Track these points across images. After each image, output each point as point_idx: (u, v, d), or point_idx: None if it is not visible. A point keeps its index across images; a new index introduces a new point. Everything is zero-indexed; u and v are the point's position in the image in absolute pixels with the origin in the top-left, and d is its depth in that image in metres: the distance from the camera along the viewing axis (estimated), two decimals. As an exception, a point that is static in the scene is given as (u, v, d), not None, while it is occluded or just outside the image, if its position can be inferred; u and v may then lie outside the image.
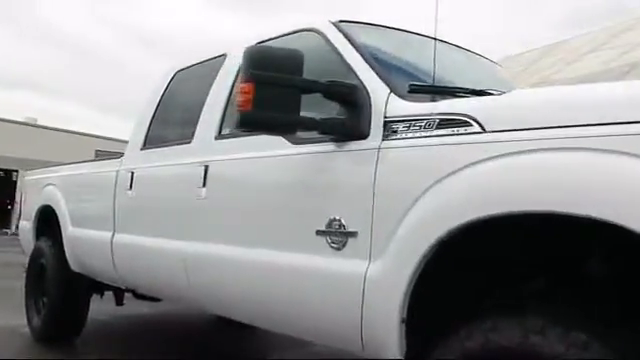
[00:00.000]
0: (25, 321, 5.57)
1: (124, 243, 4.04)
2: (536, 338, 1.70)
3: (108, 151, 28.91)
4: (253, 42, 3.39)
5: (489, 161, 1.93)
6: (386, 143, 2.30)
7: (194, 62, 4.07)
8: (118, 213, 4.16)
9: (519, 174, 1.84)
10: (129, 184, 4.01)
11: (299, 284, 2.57)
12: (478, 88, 2.56)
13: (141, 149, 4.10)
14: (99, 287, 5.18)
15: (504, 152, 1.89)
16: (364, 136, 2.40)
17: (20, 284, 5.94)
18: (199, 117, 3.51)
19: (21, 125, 30.53)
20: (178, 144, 3.67)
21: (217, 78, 3.54)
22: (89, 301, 5.22)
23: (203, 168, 3.25)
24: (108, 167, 4.44)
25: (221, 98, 3.40)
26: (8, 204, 26.16)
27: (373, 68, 2.56)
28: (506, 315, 1.85)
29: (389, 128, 2.32)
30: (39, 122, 32.15)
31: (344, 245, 2.38)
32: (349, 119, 2.47)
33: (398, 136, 2.27)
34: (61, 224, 5.00)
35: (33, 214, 5.64)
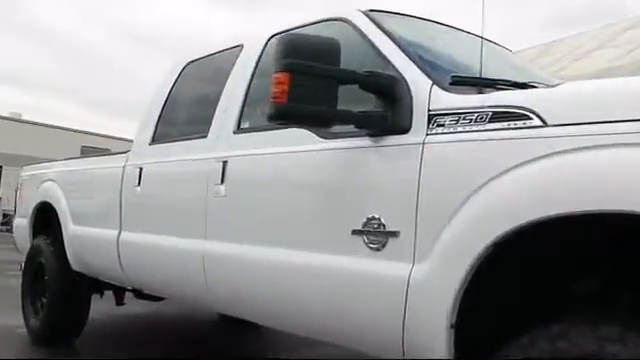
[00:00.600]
0: (20, 321, 5.39)
1: (132, 241, 3.88)
2: (614, 347, 1.58)
3: (95, 147, 28.75)
4: (272, 32, 3.27)
5: (554, 157, 1.80)
6: (431, 138, 2.17)
7: (205, 54, 3.91)
8: (125, 210, 4.00)
9: (591, 171, 1.71)
10: (137, 180, 3.85)
11: (332, 286, 2.43)
12: (520, 80, 2.44)
13: (150, 144, 3.94)
14: (99, 286, 5.03)
15: (571, 147, 1.77)
16: (405, 130, 2.27)
17: (13, 282, 5.77)
18: (215, 110, 3.36)
19: (5, 120, 30.09)
20: (191, 139, 3.52)
21: (233, 70, 3.39)
22: (90, 301, 5.05)
23: (221, 164, 3.10)
24: (113, 163, 4.27)
25: (239, 90, 3.25)
26: (-7, 200, 25.76)
27: (412, 59, 2.43)
28: (575, 321, 1.73)
29: (434, 122, 2.19)
30: (24, 117, 31.72)
31: (384, 245, 2.25)
32: (389, 112, 2.33)
33: (445, 130, 2.14)
34: (61, 222, 4.83)
35: (30, 211, 5.45)
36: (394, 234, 2.21)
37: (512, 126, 1.94)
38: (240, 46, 3.48)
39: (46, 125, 32.07)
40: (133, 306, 5.68)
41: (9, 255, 9.22)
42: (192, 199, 3.32)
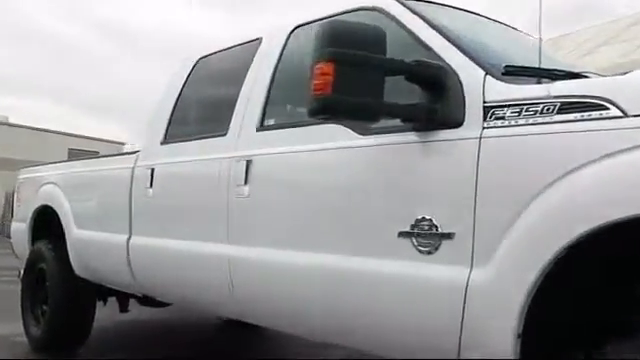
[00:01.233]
0: (17, 329, 5.17)
1: (144, 246, 3.69)
2: None
3: (82, 150, 28.41)
4: (295, 24, 3.10)
5: (636, 150, 1.65)
6: (489, 132, 2.01)
7: (218, 49, 3.73)
8: (135, 214, 3.81)
9: None
10: (149, 182, 3.66)
11: (376, 292, 2.27)
12: (570, 70, 2.30)
13: (161, 144, 3.75)
14: (102, 293, 4.84)
15: None
16: (457, 124, 2.11)
17: (8, 288, 5.56)
18: (234, 107, 3.18)
19: (-9, 124, 29.71)
20: (209, 137, 3.33)
21: (253, 64, 3.21)
22: (94, 308, 4.85)
23: (244, 163, 2.93)
24: (121, 164, 4.08)
25: (261, 86, 3.07)
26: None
27: (459, 47, 2.27)
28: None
29: (492, 114, 2.03)
30: (10, 120, 31.28)
31: (436, 248, 2.09)
32: (438, 105, 2.17)
33: (505, 123, 1.98)
34: (64, 226, 4.62)
35: (29, 215, 5.23)
36: (448, 236, 2.05)
37: (586, 117, 1.79)
38: (258, 39, 3.30)
39: (32, 128, 31.69)
40: (136, 312, 5.48)
41: (3, 260, 9.01)
42: (212, 201, 3.14)
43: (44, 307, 4.89)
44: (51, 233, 4.93)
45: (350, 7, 2.78)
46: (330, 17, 2.84)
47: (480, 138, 2.01)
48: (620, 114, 1.73)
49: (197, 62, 3.81)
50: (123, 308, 5.16)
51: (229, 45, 3.63)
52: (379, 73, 2.09)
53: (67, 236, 4.58)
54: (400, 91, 2.22)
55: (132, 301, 5.05)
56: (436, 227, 2.08)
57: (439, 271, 2.06)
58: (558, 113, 1.86)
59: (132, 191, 3.85)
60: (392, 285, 2.22)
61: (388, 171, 2.30)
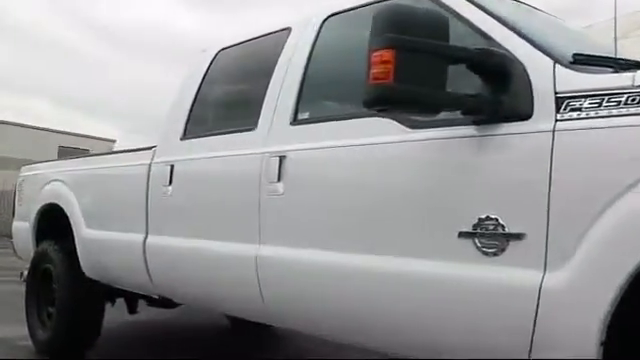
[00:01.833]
0: (22, 332, 4.98)
1: (162, 246, 3.53)
2: None
3: (73, 147, 28.13)
4: (328, 13, 2.96)
5: None
6: (564, 124, 1.86)
7: (240, 40, 3.57)
8: (152, 212, 3.64)
9: None
10: (168, 179, 3.49)
11: (433, 297, 2.12)
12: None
13: (181, 139, 3.58)
14: (110, 294, 4.66)
15: None
16: (524, 116, 1.96)
17: (7, 288, 5.39)
18: (263, 101, 3.02)
19: (-20, 121, 29.39)
20: (235, 132, 3.17)
21: (282, 55, 3.05)
22: (103, 309, 4.67)
23: (277, 159, 2.77)
24: (135, 160, 3.90)
25: (293, 78, 2.91)
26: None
27: (521, 36, 2.12)
28: None
29: (566, 105, 1.88)
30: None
31: (503, 250, 1.94)
32: (502, 96, 2.02)
33: (583, 115, 1.84)
34: (72, 225, 4.44)
35: (33, 214, 5.03)
36: (517, 237, 1.91)
37: None
38: (287, 29, 3.14)
39: (21, 125, 31.37)
40: (143, 313, 5.32)
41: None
42: (240, 199, 2.98)
43: (50, 309, 4.72)
44: (57, 233, 4.75)
45: None
46: (369, 5, 2.70)
47: (554, 131, 1.87)
48: None
49: (217, 54, 3.64)
50: (132, 310, 5.00)
51: (252, 36, 3.47)
52: (442, 61, 1.94)
53: (76, 236, 4.40)
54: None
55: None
56: (503, 227, 1.94)
57: (506, 273, 1.92)
58: None
59: (149, 189, 3.68)
60: (450, 287, 2.08)
61: (445, 167, 2.15)
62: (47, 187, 4.90)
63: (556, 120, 1.88)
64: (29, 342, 4.90)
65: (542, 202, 1.85)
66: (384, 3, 2.20)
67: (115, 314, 5.01)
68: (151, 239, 3.63)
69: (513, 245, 1.92)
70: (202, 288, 3.34)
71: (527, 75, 1.99)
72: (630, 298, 1.68)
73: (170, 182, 3.48)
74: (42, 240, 4.97)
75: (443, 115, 2.12)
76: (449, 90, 1.98)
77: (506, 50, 2.08)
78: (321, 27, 2.93)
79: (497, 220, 1.95)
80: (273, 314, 2.87)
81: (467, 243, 2.02)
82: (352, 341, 2.60)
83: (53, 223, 4.82)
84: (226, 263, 3.03)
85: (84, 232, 4.31)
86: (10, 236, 5.81)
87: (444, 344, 2.14)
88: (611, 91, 1.80)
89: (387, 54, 1.87)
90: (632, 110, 1.73)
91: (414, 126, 2.25)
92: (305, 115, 2.82)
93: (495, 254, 1.95)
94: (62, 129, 33.72)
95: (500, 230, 1.94)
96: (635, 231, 1.66)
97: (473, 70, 2.05)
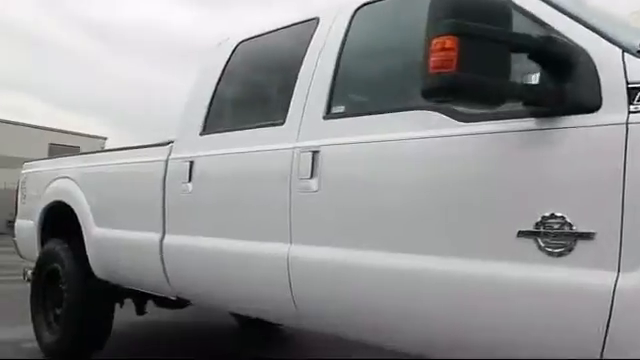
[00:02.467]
0: (27, 334, 4.86)
1: (181, 246, 3.39)
2: None
3: (63, 144, 27.83)
4: (360, 2, 2.83)
5: None
6: (639, 116, 1.75)
7: (261, 31, 3.44)
8: (170, 211, 3.51)
9: None
10: (187, 176, 3.36)
11: (487, 298, 2.01)
12: None
13: (200, 134, 3.44)
14: (119, 294, 4.52)
15: None
16: (592, 108, 1.85)
17: (8, 288, 5.25)
18: (291, 94, 2.89)
19: (-33, 118, 29.05)
20: (262, 126, 3.04)
21: (311, 46, 2.92)
22: (113, 310, 4.53)
23: (309, 154, 2.65)
24: (151, 157, 3.76)
25: (325, 70, 2.78)
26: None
27: (585, 25, 2.01)
28: None
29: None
30: (-11, 115, 30.57)
31: (569, 250, 1.83)
32: (567, 86, 1.91)
33: None
34: (81, 224, 4.30)
35: (38, 212, 4.88)
36: (586, 236, 1.80)
37: None
38: (315, 20, 3.01)
39: (12, 122, 31.03)
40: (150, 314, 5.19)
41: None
42: (268, 196, 2.85)
43: (57, 311, 4.57)
44: (64, 231, 4.60)
45: None
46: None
47: (627, 123, 1.76)
48: None
49: (237, 46, 3.51)
50: (141, 311, 4.85)
51: (275, 27, 3.33)
52: (506, 49, 1.82)
53: (85, 235, 4.26)
54: None
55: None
56: (570, 226, 1.83)
57: (575, 275, 1.81)
58: None
59: (166, 186, 3.54)
60: (509, 288, 1.96)
61: (502, 163, 2.03)
62: (53, 184, 4.75)
63: (629, 112, 1.77)
64: (35, 344, 4.77)
65: (615, 199, 1.74)
66: None
67: (120, 314, 4.89)
68: (169, 238, 3.49)
69: (582, 245, 1.81)
70: (226, 289, 3.20)
71: (593, 65, 1.88)
72: None
73: (190, 179, 3.34)
74: (48, 239, 4.83)
75: (488, 108, 2.00)
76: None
77: (570, 40, 1.96)
78: (353, 17, 2.81)
79: (563, 218, 1.84)
80: (305, 316, 2.75)
81: (528, 242, 1.91)
82: (395, 347, 2.48)
83: (60, 222, 4.68)
84: (253, 263, 2.91)
85: (94, 231, 4.17)
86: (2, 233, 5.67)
87: (502, 344, 2.03)
88: None
89: (450, 41, 1.75)
90: None
91: (465, 119, 2.13)
92: (340, 109, 2.69)
93: (561, 254, 1.84)
94: (51, 126, 33.41)
95: (567, 229, 1.83)
96: None
97: (535, 59, 1.94)
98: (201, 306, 4.21)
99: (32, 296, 4.88)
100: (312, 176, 2.62)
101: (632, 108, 1.77)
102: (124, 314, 4.87)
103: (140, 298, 4.66)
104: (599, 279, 1.75)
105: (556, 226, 1.85)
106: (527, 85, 1.91)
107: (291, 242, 2.71)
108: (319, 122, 2.71)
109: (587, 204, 1.81)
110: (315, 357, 5.06)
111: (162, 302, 4.54)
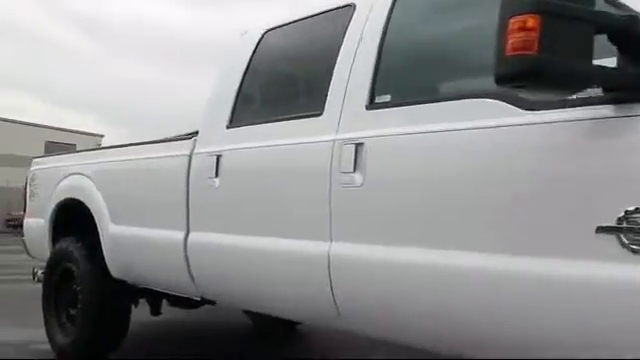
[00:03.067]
0: (38, 335, 4.71)
1: (208, 244, 3.24)
2: None
3: (60, 142, 27.63)
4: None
5: None
6: None
7: (288, 20, 3.29)
8: (195, 207, 3.35)
9: None
10: (214, 171, 3.20)
11: (569, 298, 1.87)
12: None
13: (227, 127, 3.28)
14: (134, 294, 4.37)
15: None
16: None
17: (17, 287, 5.11)
18: (328, 83, 2.74)
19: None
20: (297, 118, 2.89)
21: (347, 34, 2.76)
22: (130, 311, 4.38)
23: (352, 147, 2.50)
24: (173, 151, 3.60)
25: (366, 58, 2.63)
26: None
27: None
28: None
29: None
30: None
31: None
32: None
33: None
34: (97, 222, 4.14)
35: (50, 210, 4.71)
36: None
37: None
38: (350, 6, 2.85)
39: (7, 120, 30.82)
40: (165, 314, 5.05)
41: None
42: (305, 191, 2.71)
43: (72, 311, 4.42)
44: (78, 229, 4.45)
45: None
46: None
47: None
48: None
49: (263, 36, 3.35)
50: (156, 311, 4.70)
51: (306, 15, 3.18)
52: (590, 29, 1.68)
53: (101, 233, 4.11)
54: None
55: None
56: None
57: None
58: None
59: (190, 181, 3.39)
60: (587, 288, 1.82)
61: (577, 154, 1.89)
62: (65, 181, 4.59)
63: None
64: (46, 346, 4.62)
65: None
66: None
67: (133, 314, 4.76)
68: (194, 236, 3.35)
69: None
70: (257, 290, 3.05)
71: None
72: None
73: (217, 174, 3.19)
74: (60, 238, 4.67)
75: (560, 95, 1.86)
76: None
77: None
78: (394, 2, 2.66)
79: None
80: (348, 318, 2.60)
81: (609, 239, 1.76)
82: (451, 351, 2.33)
83: (72, 219, 4.52)
84: (289, 262, 2.76)
85: (111, 229, 4.02)
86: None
87: (582, 346, 1.89)
88: None
89: (532, 20, 1.61)
90: None
91: (530, 107, 1.99)
92: (385, 98, 2.55)
93: None
94: (48, 124, 33.21)
95: None
96: None
97: (615, 41, 1.79)
98: (228, 307, 4.05)
99: (44, 297, 4.72)
100: (355, 170, 2.47)
101: None
102: (134, 313, 4.76)
103: (155, 298, 4.52)
104: None
105: None
106: (612, 69, 1.77)
107: (331, 240, 2.56)
108: (362, 113, 2.56)
109: (678, 197, 1.68)
110: (334, 357, 4.95)
111: (176, 302, 4.41)
